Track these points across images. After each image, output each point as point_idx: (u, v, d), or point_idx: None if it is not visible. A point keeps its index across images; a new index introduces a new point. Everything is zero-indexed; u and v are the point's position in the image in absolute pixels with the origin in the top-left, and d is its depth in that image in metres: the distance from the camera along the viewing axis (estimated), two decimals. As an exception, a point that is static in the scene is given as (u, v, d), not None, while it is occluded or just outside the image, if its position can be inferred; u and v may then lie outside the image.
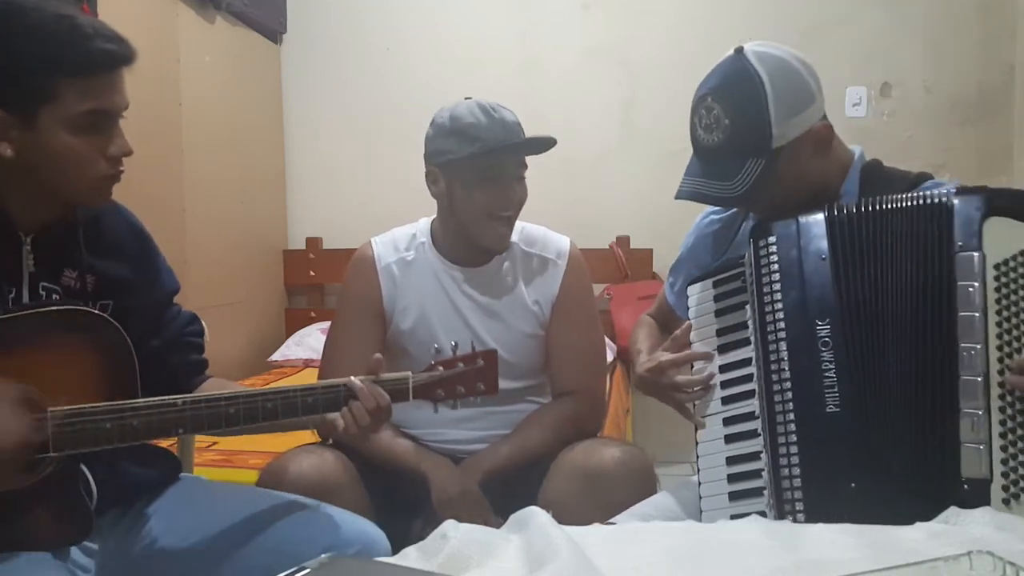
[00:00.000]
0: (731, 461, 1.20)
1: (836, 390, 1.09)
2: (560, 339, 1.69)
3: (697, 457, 1.25)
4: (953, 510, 0.92)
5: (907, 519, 0.91)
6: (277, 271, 3.62)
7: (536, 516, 0.87)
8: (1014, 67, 3.20)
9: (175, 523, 1.22)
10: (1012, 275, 1.04)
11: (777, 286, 1.16)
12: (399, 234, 1.74)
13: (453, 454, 1.63)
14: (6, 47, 1.04)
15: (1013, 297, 1.03)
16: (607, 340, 2.86)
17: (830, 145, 1.29)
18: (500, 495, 1.55)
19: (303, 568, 0.72)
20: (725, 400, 1.24)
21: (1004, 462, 1.01)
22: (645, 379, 1.35)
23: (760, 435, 1.17)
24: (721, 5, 3.35)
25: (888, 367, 1.09)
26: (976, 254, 1.05)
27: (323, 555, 0.78)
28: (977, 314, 1.04)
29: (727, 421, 1.23)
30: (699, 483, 1.24)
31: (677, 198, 1.30)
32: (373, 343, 1.67)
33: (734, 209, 1.44)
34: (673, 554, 0.85)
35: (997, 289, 1.04)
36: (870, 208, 1.15)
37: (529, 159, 1.65)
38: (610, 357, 3.02)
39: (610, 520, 1.23)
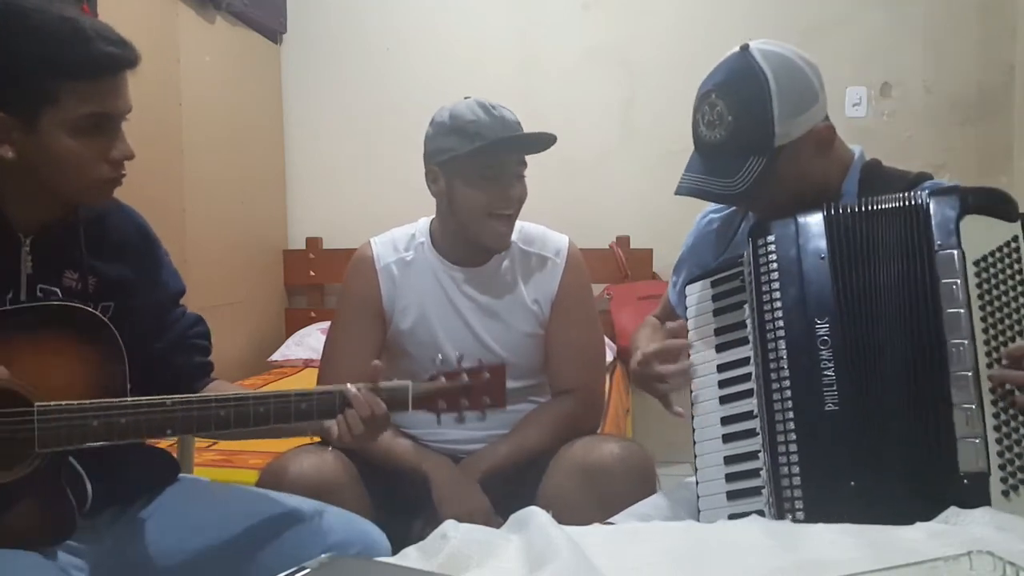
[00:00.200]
0: (729, 460, 1.20)
1: (835, 388, 1.10)
2: (559, 338, 1.69)
3: (695, 456, 1.25)
4: (953, 510, 0.93)
5: (907, 517, 0.91)
6: (277, 271, 3.62)
7: (536, 516, 0.87)
8: (1014, 67, 3.20)
9: (173, 524, 1.22)
10: (992, 270, 1.07)
11: (776, 285, 1.16)
12: (398, 234, 1.74)
13: (453, 454, 1.63)
14: (8, 48, 1.03)
15: (995, 292, 1.06)
16: (607, 340, 2.86)
17: (832, 145, 1.29)
18: (500, 494, 1.55)
19: (303, 568, 0.72)
20: (723, 399, 1.24)
21: (1000, 454, 1.02)
22: (635, 373, 1.36)
23: (758, 434, 1.16)
24: (721, 5, 3.35)
25: (886, 365, 1.09)
26: (955, 252, 1.08)
27: (323, 555, 0.78)
28: (962, 310, 1.06)
29: (725, 420, 1.22)
30: (697, 483, 1.24)
31: (677, 194, 1.30)
32: (373, 343, 1.68)
33: (733, 207, 1.44)
34: (673, 554, 0.85)
35: (979, 285, 1.07)
36: (866, 208, 1.16)
37: (529, 159, 1.65)
38: (610, 357, 3.02)
39: (609, 520, 1.23)
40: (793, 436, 1.10)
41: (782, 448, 1.11)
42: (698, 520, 1.20)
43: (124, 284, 1.22)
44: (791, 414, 1.11)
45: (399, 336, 1.69)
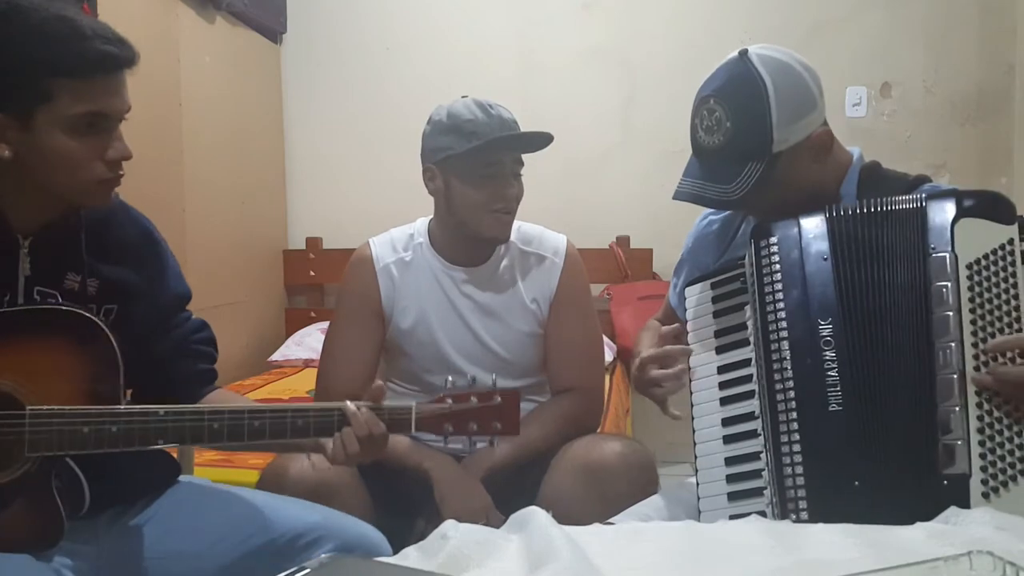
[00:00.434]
0: (730, 461, 1.20)
1: (839, 389, 1.10)
2: (558, 336, 1.70)
3: (695, 457, 1.26)
4: (953, 510, 0.93)
5: (911, 518, 0.91)
6: (277, 271, 3.62)
7: (536, 516, 0.87)
8: (1014, 67, 3.20)
9: (173, 526, 1.21)
10: (985, 273, 1.07)
11: (779, 286, 1.16)
12: (397, 235, 1.75)
13: (454, 453, 1.63)
14: (3, 46, 1.03)
15: (987, 295, 1.06)
16: (607, 340, 2.87)
17: (830, 150, 1.29)
18: (502, 492, 1.56)
19: (303, 568, 0.72)
20: (724, 400, 1.24)
21: (983, 456, 1.03)
22: (635, 378, 1.37)
23: (760, 435, 1.17)
24: (721, 5, 3.35)
25: (888, 366, 1.10)
26: (948, 255, 1.08)
27: (323, 555, 0.78)
28: (950, 313, 1.06)
29: (726, 421, 1.23)
30: (697, 483, 1.24)
31: (675, 199, 1.31)
32: (372, 344, 1.68)
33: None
34: (673, 554, 0.85)
35: (970, 288, 1.07)
36: (867, 210, 1.16)
37: (529, 159, 1.65)
38: (610, 357, 3.02)
39: (609, 520, 1.23)
40: (797, 437, 1.10)
41: (785, 449, 1.11)
42: (699, 521, 1.20)
43: (127, 287, 1.21)
44: (794, 415, 1.11)
45: (398, 336, 1.69)
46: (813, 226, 1.18)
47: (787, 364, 1.13)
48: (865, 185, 1.29)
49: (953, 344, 1.06)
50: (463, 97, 1.63)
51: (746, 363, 1.21)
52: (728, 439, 1.22)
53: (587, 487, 1.47)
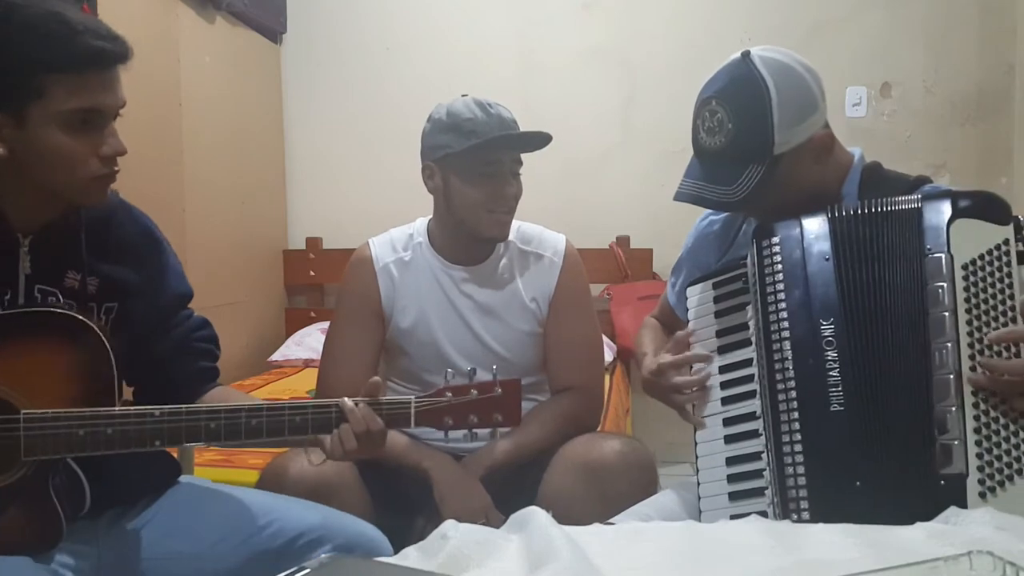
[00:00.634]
0: (731, 461, 1.20)
1: (840, 389, 1.10)
2: (558, 336, 1.70)
3: (696, 458, 1.26)
4: (953, 510, 0.93)
5: (910, 518, 0.91)
6: (277, 271, 3.62)
7: (536, 516, 0.87)
8: (1014, 67, 3.20)
9: (174, 526, 1.21)
10: (981, 273, 1.07)
11: (781, 286, 1.16)
12: (396, 235, 1.75)
13: (453, 452, 1.63)
14: None
15: (982, 295, 1.07)
16: (607, 340, 2.87)
17: (831, 152, 1.29)
18: (502, 491, 1.56)
19: (303, 568, 0.72)
20: (725, 400, 1.24)
21: (979, 456, 1.03)
22: (649, 382, 1.35)
23: (761, 435, 1.17)
24: (721, 5, 3.35)
25: (888, 366, 1.10)
26: (943, 256, 1.08)
27: (323, 555, 0.78)
28: (946, 313, 1.07)
29: (727, 422, 1.23)
30: (698, 483, 1.24)
31: (676, 200, 1.30)
32: (372, 344, 1.68)
33: (731, 211, 1.45)
34: (673, 554, 0.85)
35: (966, 288, 1.07)
36: (869, 210, 1.16)
37: (529, 159, 1.66)
38: (610, 357, 3.02)
39: (609, 520, 1.23)
40: (798, 437, 1.10)
41: (787, 449, 1.11)
42: (700, 521, 1.20)
43: (127, 286, 1.21)
44: (796, 415, 1.11)
45: (398, 336, 1.69)
46: (815, 226, 1.18)
47: (789, 364, 1.13)
48: (867, 186, 1.29)
49: (949, 344, 1.06)
50: (463, 96, 1.63)
51: (747, 363, 1.21)
52: (729, 439, 1.22)
53: (587, 486, 1.47)
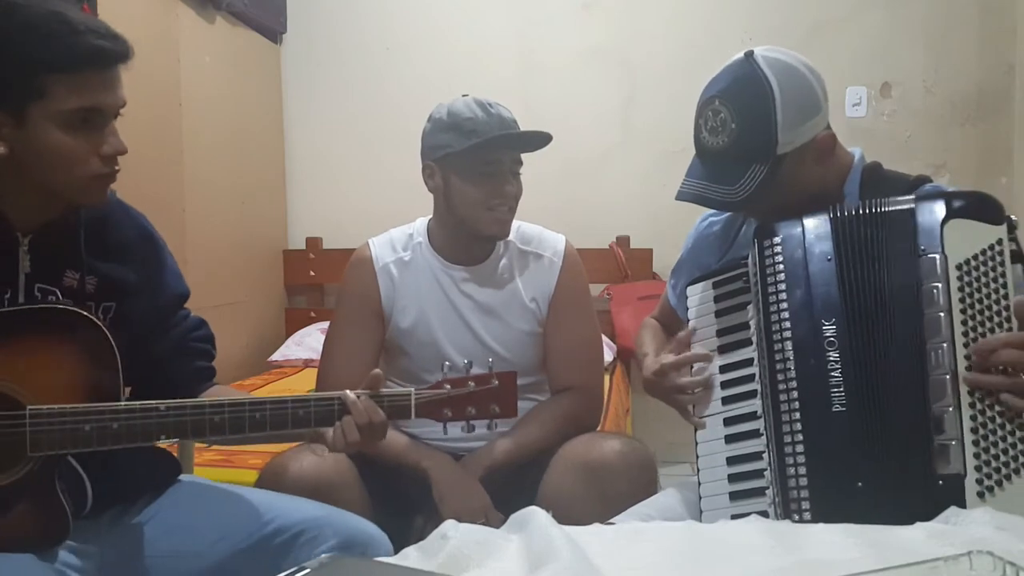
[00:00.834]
0: (732, 461, 1.20)
1: (842, 389, 1.10)
2: (558, 336, 1.70)
3: (697, 457, 1.26)
4: (953, 510, 0.93)
5: (911, 518, 0.91)
6: (277, 271, 3.62)
7: (536, 516, 0.87)
8: (1014, 67, 3.20)
9: (174, 525, 1.21)
10: (975, 273, 1.08)
11: (783, 286, 1.16)
12: (396, 235, 1.75)
13: (453, 452, 1.63)
14: None
15: (977, 295, 1.07)
16: (607, 340, 2.87)
17: (833, 153, 1.29)
18: (501, 491, 1.56)
19: (303, 568, 0.72)
20: (725, 400, 1.24)
21: (977, 456, 1.03)
22: (650, 382, 1.35)
23: (762, 435, 1.17)
24: (721, 5, 3.35)
25: (889, 367, 1.10)
26: (937, 256, 1.09)
27: (323, 555, 0.78)
28: (942, 313, 1.07)
29: (727, 421, 1.23)
30: (699, 483, 1.24)
31: (678, 199, 1.30)
32: (372, 344, 1.68)
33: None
34: (673, 554, 0.85)
35: (960, 288, 1.07)
36: (870, 211, 1.16)
37: (529, 159, 1.66)
38: (610, 357, 3.02)
39: (610, 520, 1.23)
40: (800, 437, 1.11)
41: (788, 449, 1.11)
42: (700, 520, 1.20)
43: (125, 286, 1.22)
44: (798, 415, 1.11)
45: (398, 336, 1.69)
46: (817, 226, 1.18)
47: (790, 364, 1.13)
48: (867, 186, 1.29)
49: (945, 344, 1.06)
50: (463, 95, 1.64)
51: (748, 363, 1.21)
52: (730, 439, 1.22)
53: (587, 486, 1.47)
